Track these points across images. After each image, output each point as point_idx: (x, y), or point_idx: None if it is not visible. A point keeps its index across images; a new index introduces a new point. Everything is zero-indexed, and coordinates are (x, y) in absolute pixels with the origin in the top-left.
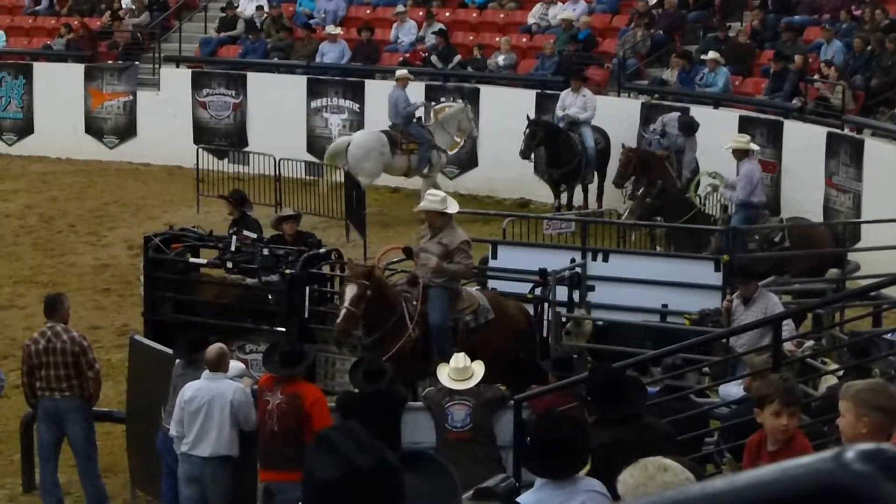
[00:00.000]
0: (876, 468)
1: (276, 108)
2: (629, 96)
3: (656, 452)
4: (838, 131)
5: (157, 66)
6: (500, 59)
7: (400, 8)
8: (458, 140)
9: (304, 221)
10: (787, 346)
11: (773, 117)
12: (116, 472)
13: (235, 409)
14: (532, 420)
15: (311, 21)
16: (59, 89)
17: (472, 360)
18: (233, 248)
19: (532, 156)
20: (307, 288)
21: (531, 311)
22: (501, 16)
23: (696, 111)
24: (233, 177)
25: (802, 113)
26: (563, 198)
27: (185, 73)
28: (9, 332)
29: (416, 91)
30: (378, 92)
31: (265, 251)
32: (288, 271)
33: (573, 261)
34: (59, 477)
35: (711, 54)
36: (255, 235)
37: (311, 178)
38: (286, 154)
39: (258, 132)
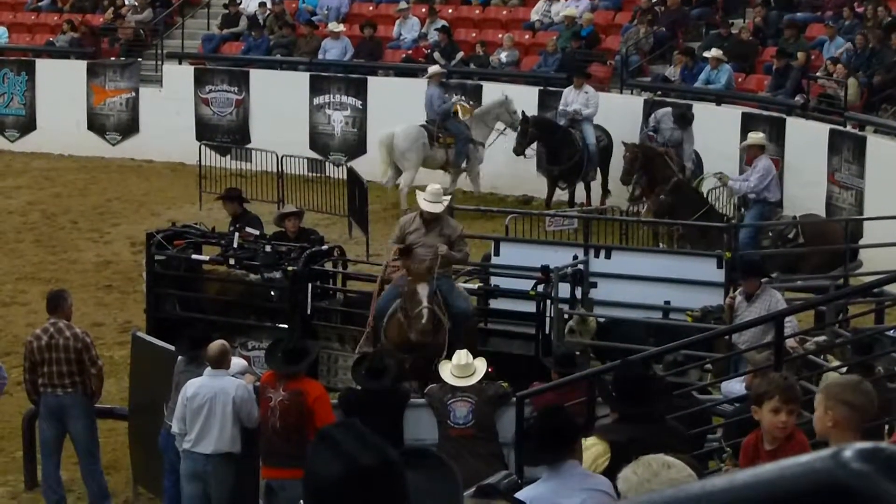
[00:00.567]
0: (874, 467)
1: (279, 105)
2: (632, 93)
3: (672, 455)
4: (841, 128)
5: (159, 62)
6: (503, 56)
7: (403, 5)
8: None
9: (306, 218)
10: (790, 342)
11: (775, 114)
12: (119, 468)
13: (238, 406)
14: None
15: (313, 18)
16: (61, 86)
17: (474, 358)
18: (235, 245)
19: (527, 153)
20: (310, 285)
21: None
22: (504, 12)
23: (699, 108)
24: (235, 173)
25: (805, 110)
26: (565, 196)
27: (187, 70)
28: (11, 328)
29: (419, 88)
30: (381, 89)
31: (268, 248)
32: (290, 268)
33: (576, 257)
34: (62, 474)
35: (713, 52)
36: (257, 232)
37: (314, 174)
38: (289, 151)
39: (261, 129)
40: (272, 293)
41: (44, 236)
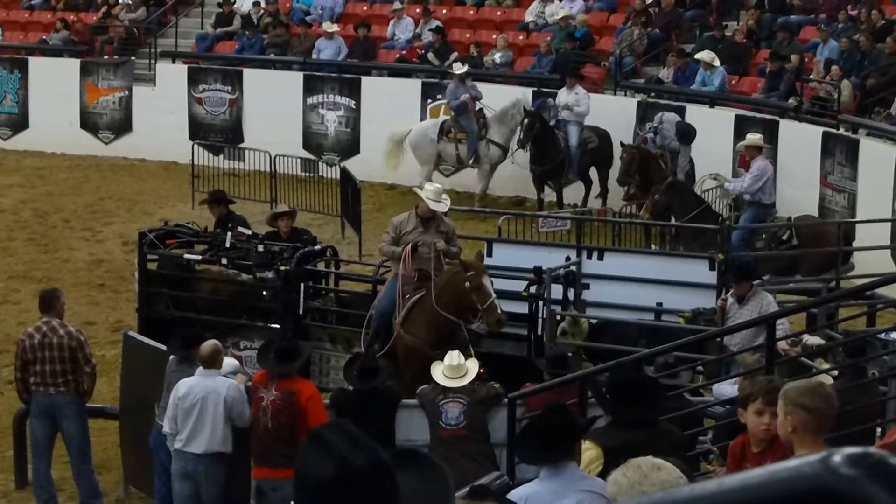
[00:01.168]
0: (863, 471)
1: (272, 105)
2: (626, 95)
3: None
4: (834, 131)
5: (153, 61)
6: (497, 57)
7: (397, 5)
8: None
9: (299, 218)
10: (782, 345)
11: (769, 117)
12: (110, 468)
13: (229, 405)
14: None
15: (307, 17)
16: (54, 84)
17: (466, 359)
18: (227, 245)
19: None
20: (302, 285)
21: (526, 309)
22: (498, 13)
23: (692, 110)
24: (228, 173)
25: (798, 112)
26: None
27: (181, 69)
28: (3, 327)
29: (412, 88)
30: (374, 89)
31: (260, 248)
32: (283, 268)
33: (568, 259)
34: (53, 473)
35: (704, 54)
36: (249, 232)
37: (307, 174)
38: (282, 150)
39: (254, 128)
40: (264, 293)
41: (36, 235)
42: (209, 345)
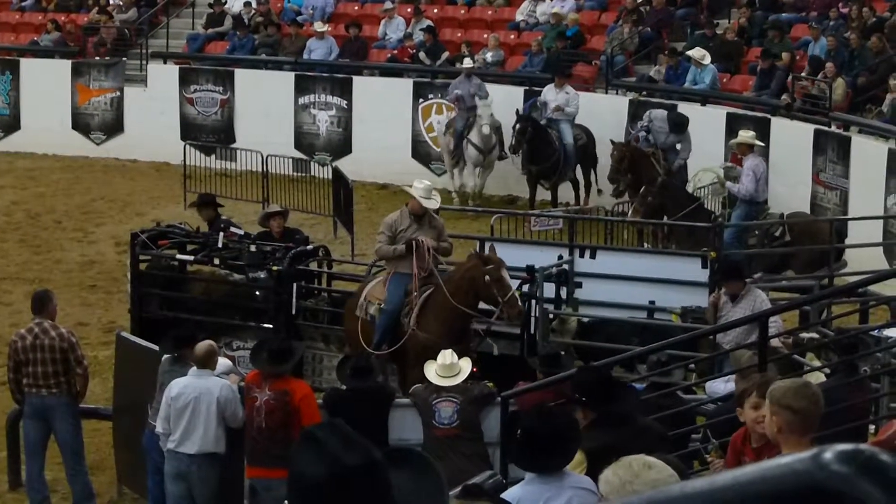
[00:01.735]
0: (854, 468)
1: (264, 105)
2: (617, 93)
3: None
4: (825, 128)
5: (144, 62)
6: (488, 56)
7: (388, 5)
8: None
9: (291, 218)
10: (775, 342)
11: (760, 114)
12: (103, 469)
13: (222, 406)
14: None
15: (298, 17)
16: (45, 85)
17: (459, 357)
18: (219, 245)
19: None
20: (294, 284)
21: None
22: (489, 13)
23: (684, 109)
24: (220, 173)
25: (790, 110)
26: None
27: (172, 70)
28: None
29: (404, 88)
30: (366, 89)
31: (252, 248)
32: (275, 268)
33: (561, 257)
34: (46, 474)
35: (695, 51)
36: (241, 232)
37: (299, 174)
38: (274, 150)
39: (246, 128)
40: (257, 293)
41: (28, 236)
42: (204, 345)
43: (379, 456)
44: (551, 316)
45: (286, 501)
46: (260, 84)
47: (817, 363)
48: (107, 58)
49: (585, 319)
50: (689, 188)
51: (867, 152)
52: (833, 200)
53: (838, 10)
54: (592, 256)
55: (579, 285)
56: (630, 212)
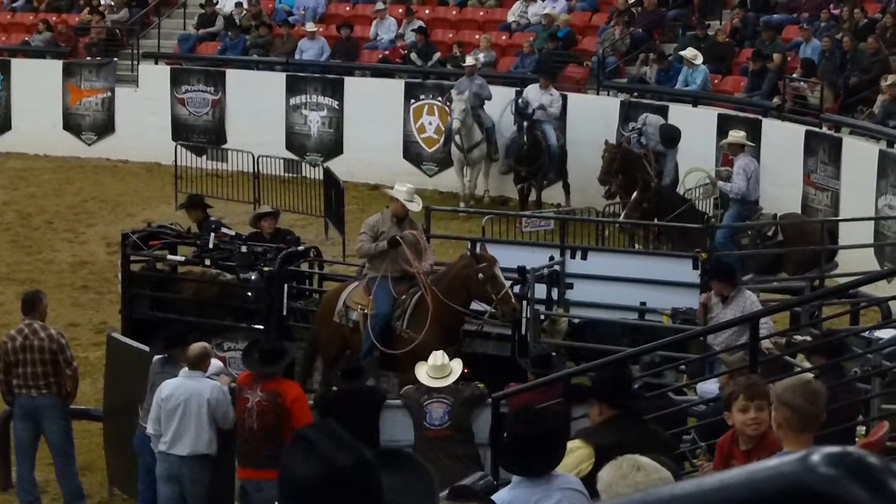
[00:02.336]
0: (842, 471)
1: (255, 105)
2: (608, 94)
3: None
4: (816, 129)
5: (135, 62)
6: (480, 57)
7: (379, 5)
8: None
9: (282, 218)
10: (765, 343)
11: (751, 116)
12: (94, 470)
13: (213, 407)
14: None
15: (290, 18)
16: (37, 85)
17: (450, 359)
18: (211, 246)
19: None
20: (286, 285)
21: None
22: (481, 13)
23: (676, 109)
24: (211, 174)
25: (781, 111)
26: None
27: (163, 70)
28: None
29: (395, 88)
30: (357, 89)
31: (243, 248)
32: (266, 269)
33: (552, 258)
34: (36, 475)
35: (687, 51)
36: (233, 232)
37: (290, 175)
38: (265, 151)
39: (237, 129)
40: (248, 294)
41: (19, 237)
42: (198, 346)
43: (370, 457)
44: (542, 317)
45: (277, 502)
46: (251, 85)
47: (808, 365)
48: (98, 58)
49: (576, 320)
50: (680, 190)
51: (858, 153)
52: (824, 202)
53: (829, 12)
54: (583, 257)
55: (570, 286)
56: (622, 217)
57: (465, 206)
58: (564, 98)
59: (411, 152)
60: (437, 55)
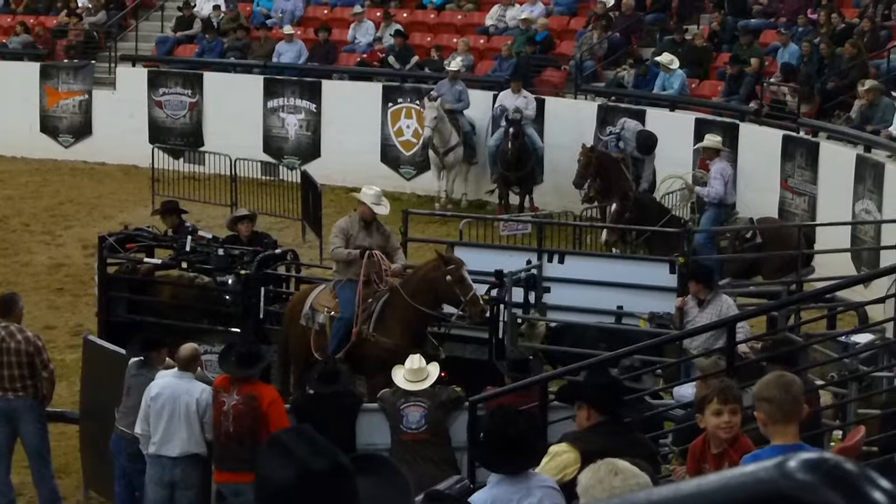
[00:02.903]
0: (818, 477)
1: (233, 108)
2: (586, 98)
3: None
4: (794, 134)
5: (113, 65)
6: (458, 61)
7: (357, 8)
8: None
9: (259, 221)
10: (742, 348)
11: (729, 120)
12: (70, 472)
13: (202, 409)
14: (485, 416)
15: (268, 21)
16: (14, 88)
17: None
18: (187, 249)
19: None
20: (262, 288)
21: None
22: (459, 17)
23: (653, 114)
24: (188, 176)
25: (758, 116)
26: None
27: (141, 73)
28: None
29: (373, 92)
30: (335, 92)
31: (220, 251)
32: (243, 272)
33: (529, 262)
34: (12, 478)
35: (663, 57)
36: (210, 235)
37: (268, 178)
38: (242, 154)
39: (214, 132)
40: (225, 297)
41: None
42: (189, 348)
43: (346, 461)
44: (520, 320)
45: None
46: (229, 87)
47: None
48: (75, 60)
49: (553, 324)
50: (657, 195)
51: (835, 158)
52: (801, 206)
53: (807, 17)
54: (561, 261)
55: (548, 290)
56: (604, 233)
57: (442, 209)
58: (539, 101)
59: (389, 156)
60: (415, 59)
